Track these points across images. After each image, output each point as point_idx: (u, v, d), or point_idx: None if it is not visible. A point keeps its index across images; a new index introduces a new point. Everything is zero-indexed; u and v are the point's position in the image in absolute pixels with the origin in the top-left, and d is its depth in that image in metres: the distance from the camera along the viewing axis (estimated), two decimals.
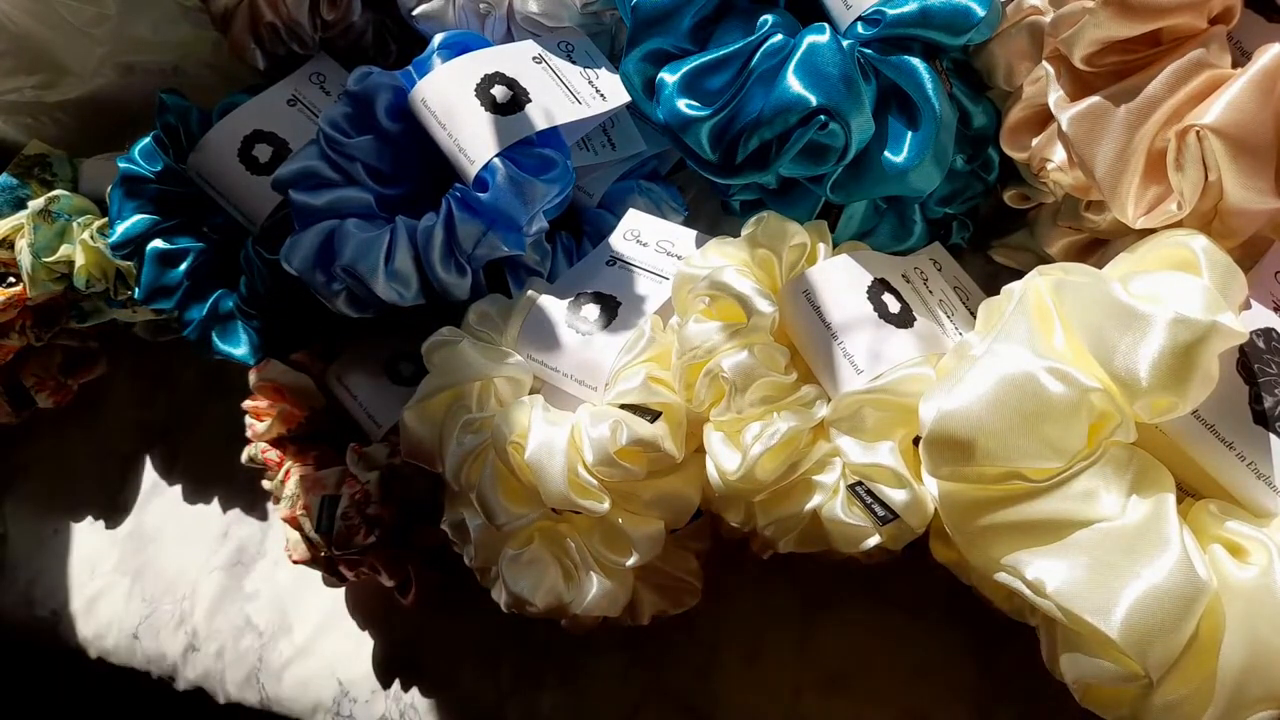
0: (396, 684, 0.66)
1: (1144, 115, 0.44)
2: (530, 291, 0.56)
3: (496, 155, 0.54)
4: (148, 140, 0.68)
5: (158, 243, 0.67)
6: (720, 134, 0.52)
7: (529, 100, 0.57)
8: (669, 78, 0.52)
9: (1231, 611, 0.37)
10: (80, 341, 0.78)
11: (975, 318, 0.49)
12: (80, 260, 0.69)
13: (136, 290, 0.68)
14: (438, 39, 0.59)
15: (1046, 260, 0.56)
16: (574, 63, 0.61)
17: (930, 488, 0.46)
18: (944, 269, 0.57)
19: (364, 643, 0.68)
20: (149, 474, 0.78)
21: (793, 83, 0.49)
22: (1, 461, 0.82)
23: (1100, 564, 0.38)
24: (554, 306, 0.56)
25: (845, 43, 0.50)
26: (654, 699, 0.60)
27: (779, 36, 0.51)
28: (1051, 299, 0.43)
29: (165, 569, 0.75)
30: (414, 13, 0.65)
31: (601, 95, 0.60)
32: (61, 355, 0.78)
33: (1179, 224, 0.45)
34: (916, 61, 0.50)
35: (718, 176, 0.54)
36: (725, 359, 0.47)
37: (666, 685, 0.60)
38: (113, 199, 0.68)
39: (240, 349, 0.66)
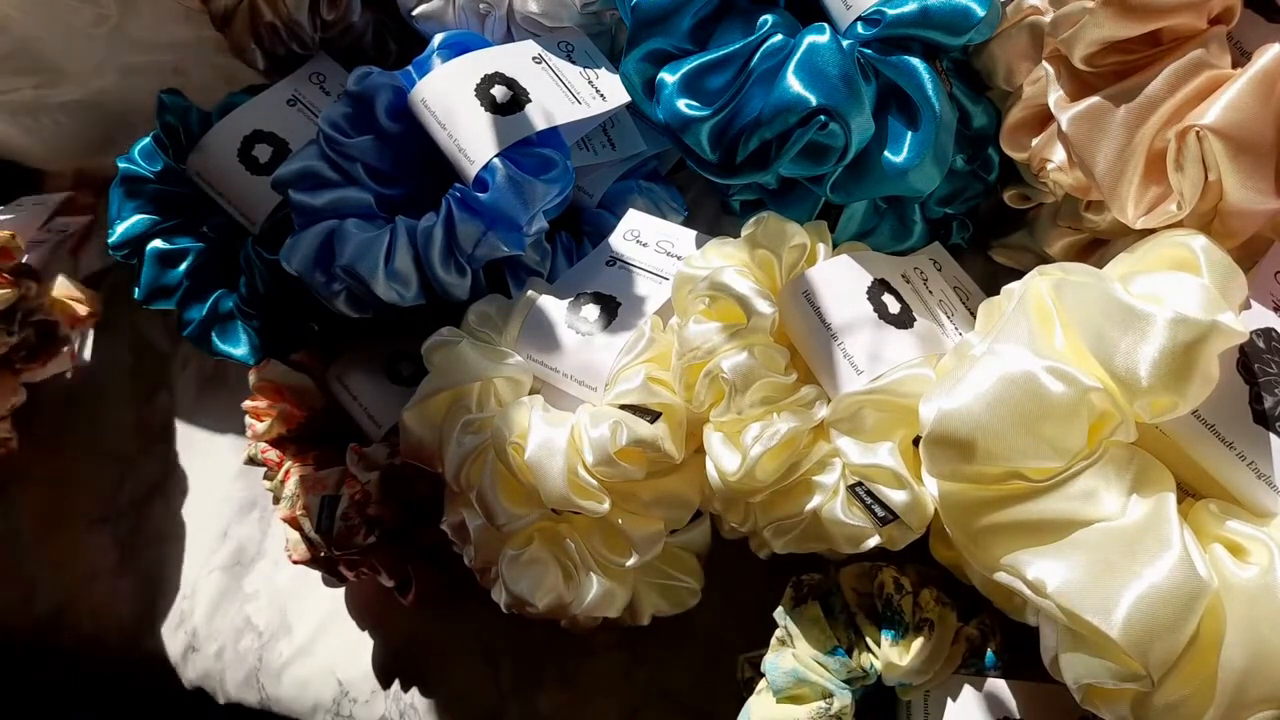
0: (396, 684, 0.66)
1: (1144, 115, 0.44)
2: (530, 292, 0.56)
3: (496, 155, 0.54)
4: (148, 140, 0.68)
5: (158, 243, 0.66)
6: (720, 134, 0.52)
7: (529, 100, 0.57)
8: (669, 78, 0.52)
9: (1232, 611, 0.37)
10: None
11: (975, 318, 0.49)
12: None
13: (136, 290, 0.68)
14: (437, 39, 0.59)
15: (1046, 260, 0.56)
16: (574, 63, 0.61)
17: (930, 488, 0.46)
18: (944, 269, 0.57)
19: (364, 643, 0.68)
20: (149, 474, 0.78)
21: (793, 83, 0.49)
22: (1, 460, 0.82)
23: (1101, 564, 0.38)
24: (554, 307, 0.56)
25: (845, 43, 0.50)
26: (654, 699, 0.60)
27: (779, 36, 0.51)
28: (1051, 299, 0.43)
29: (165, 569, 0.75)
30: (414, 13, 0.65)
31: (601, 95, 0.60)
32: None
33: (1179, 224, 0.45)
34: (916, 61, 0.50)
35: (718, 176, 0.54)
36: (725, 360, 0.47)
37: (666, 685, 0.60)
38: (113, 199, 0.68)
39: (240, 349, 0.66)
